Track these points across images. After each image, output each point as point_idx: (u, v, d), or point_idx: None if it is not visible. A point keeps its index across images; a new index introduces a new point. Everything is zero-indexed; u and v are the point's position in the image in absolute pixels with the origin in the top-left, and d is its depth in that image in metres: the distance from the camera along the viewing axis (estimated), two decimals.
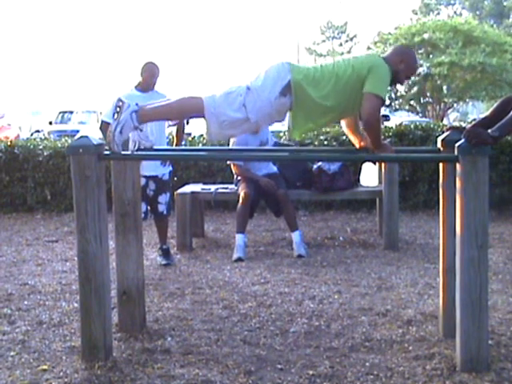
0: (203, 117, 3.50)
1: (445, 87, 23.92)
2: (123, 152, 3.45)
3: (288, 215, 6.07)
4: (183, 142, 7.92)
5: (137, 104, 3.46)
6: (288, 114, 3.59)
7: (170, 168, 5.77)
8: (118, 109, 3.42)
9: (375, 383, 3.12)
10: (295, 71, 3.50)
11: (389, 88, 3.73)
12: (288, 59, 3.67)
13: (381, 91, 3.49)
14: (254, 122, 3.49)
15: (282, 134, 8.26)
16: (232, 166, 6.27)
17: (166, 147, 5.34)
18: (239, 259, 5.71)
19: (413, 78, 23.63)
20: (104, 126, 5.53)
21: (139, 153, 3.67)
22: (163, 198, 5.68)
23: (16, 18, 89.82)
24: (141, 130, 3.60)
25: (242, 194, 6.04)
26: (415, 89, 23.98)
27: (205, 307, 4.38)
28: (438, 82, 23.38)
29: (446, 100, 25.16)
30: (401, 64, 3.63)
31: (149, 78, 5.74)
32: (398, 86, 25.68)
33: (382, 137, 3.72)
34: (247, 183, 6.14)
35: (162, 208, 5.69)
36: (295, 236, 5.96)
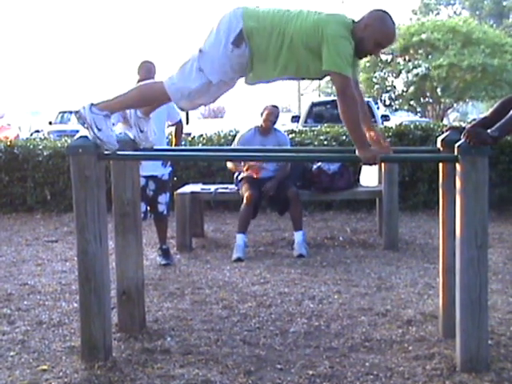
0: (170, 100, 3.37)
1: (439, 89, 23.93)
2: (123, 152, 3.45)
3: (295, 213, 6.06)
4: (182, 142, 7.92)
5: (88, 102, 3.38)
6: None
7: (170, 168, 5.78)
8: (80, 119, 3.33)
9: (375, 383, 3.11)
10: (247, 17, 3.23)
11: (352, 58, 3.23)
12: (242, 4, 3.33)
13: (342, 67, 3.14)
14: (218, 81, 3.26)
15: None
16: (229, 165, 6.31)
17: (166, 147, 5.34)
18: (239, 259, 5.71)
19: (411, 78, 23.79)
20: None
21: (139, 153, 3.67)
22: (163, 198, 5.68)
23: (16, 18, 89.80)
24: (141, 131, 3.59)
25: (246, 195, 6.04)
26: (412, 88, 23.97)
27: (204, 307, 4.38)
28: (435, 84, 23.39)
29: (445, 100, 25.17)
30: (365, 30, 3.22)
31: (145, 77, 5.73)
32: (398, 86, 25.72)
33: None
34: (251, 183, 6.13)
35: (161, 208, 5.69)
36: (298, 235, 5.95)
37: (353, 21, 3.29)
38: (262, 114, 6.19)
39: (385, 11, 3.35)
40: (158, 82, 3.39)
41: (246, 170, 6.22)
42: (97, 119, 3.31)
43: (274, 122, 6.22)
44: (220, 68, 3.25)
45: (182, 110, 3.41)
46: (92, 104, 3.35)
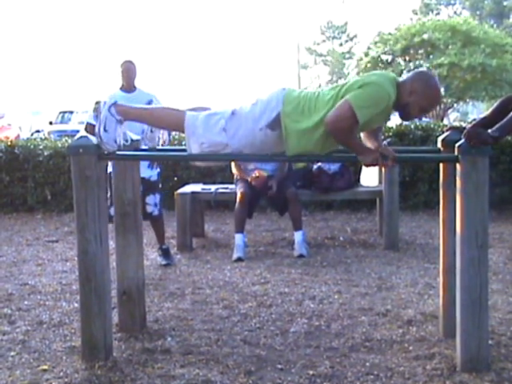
0: (182, 131, 3.39)
1: (442, 88, 23.94)
2: (124, 152, 3.45)
3: (294, 214, 6.06)
4: (183, 143, 7.91)
5: (113, 100, 3.42)
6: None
7: (158, 170, 5.75)
8: (97, 110, 3.37)
9: (375, 383, 3.12)
10: (287, 101, 3.19)
11: (393, 117, 3.27)
12: (288, 85, 3.33)
13: (359, 106, 3.04)
14: (235, 149, 3.24)
15: None
16: (233, 165, 6.27)
17: (167, 147, 5.33)
18: (239, 259, 5.71)
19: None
20: (88, 128, 5.55)
21: (140, 153, 3.67)
22: (151, 200, 5.66)
23: (16, 18, 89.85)
24: (152, 131, 3.61)
25: (238, 194, 6.04)
26: None
27: (205, 307, 4.38)
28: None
29: (445, 100, 25.17)
30: (411, 96, 3.17)
31: (126, 77, 5.78)
32: None
33: (382, 137, 3.57)
34: (245, 182, 6.14)
35: (150, 209, 5.66)
36: (298, 235, 5.95)
37: (397, 80, 3.24)
38: None
39: (431, 73, 3.34)
40: (181, 113, 3.37)
41: (251, 181, 6.16)
42: (109, 120, 3.33)
43: None
44: (243, 138, 3.23)
45: (189, 150, 3.43)
46: (114, 104, 3.37)
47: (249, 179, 6.13)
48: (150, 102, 5.47)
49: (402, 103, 3.20)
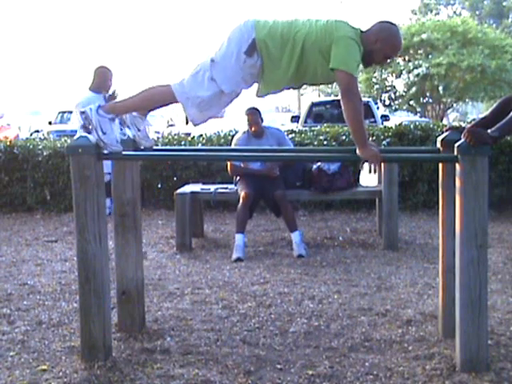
0: (175, 102, 3.38)
1: (441, 87, 23.95)
2: (123, 152, 3.45)
3: (286, 216, 6.07)
4: (182, 142, 7.93)
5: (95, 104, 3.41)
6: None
7: None
8: (86, 120, 3.34)
9: (375, 383, 3.12)
10: (259, 28, 3.28)
11: (361, 67, 3.37)
12: (253, 16, 3.39)
13: (349, 66, 3.20)
14: (230, 91, 3.31)
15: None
16: (228, 165, 6.28)
17: (167, 147, 5.34)
18: (238, 259, 5.71)
19: (412, 79, 23.84)
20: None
21: (139, 153, 3.67)
22: None
23: (16, 18, 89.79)
24: (139, 130, 3.59)
25: (242, 194, 6.04)
26: (414, 89, 24.01)
27: (204, 307, 4.38)
28: (436, 82, 23.41)
29: (446, 100, 25.20)
30: (376, 43, 3.31)
31: (102, 83, 5.92)
32: (398, 86, 25.75)
33: (382, 137, 3.60)
34: (247, 183, 6.14)
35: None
36: (295, 236, 5.95)
37: (360, 30, 3.34)
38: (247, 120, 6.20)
39: (393, 23, 3.44)
40: (165, 86, 3.38)
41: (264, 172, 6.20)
42: (102, 122, 3.33)
43: (261, 122, 6.21)
44: (232, 78, 3.29)
45: (194, 124, 3.43)
46: (99, 106, 3.37)
47: (254, 173, 6.13)
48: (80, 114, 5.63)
49: (367, 50, 3.32)
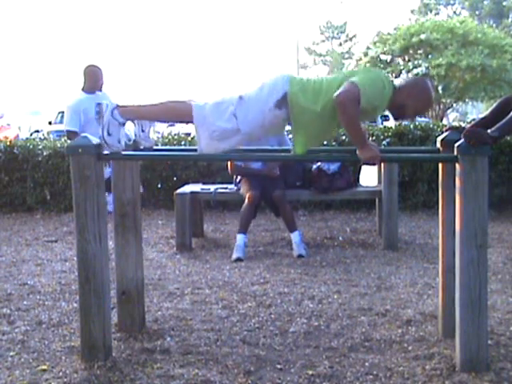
0: (191, 122, 3.40)
1: (440, 88, 23.94)
2: (123, 152, 3.45)
3: (285, 216, 6.07)
4: (182, 142, 7.93)
5: (115, 103, 3.43)
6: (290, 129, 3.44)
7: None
8: (99, 113, 3.37)
9: (375, 383, 3.12)
10: (293, 83, 3.32)
11: (379, 100, 3.33)
12: (289, 72, 3.46)
13: (361, 84, 3.18)
14: (246, 133, 3.32)
15: None
16: (228, 164, 6.28)
17: (166, 147, 5.34)
18: (238, 259, 5.71)
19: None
20: (71, 136, 5.65)
21: (139, 153, 3.67)
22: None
23: (16, 18, 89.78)
24: (143, 130, 3.60)
25: (248, 195, 6.03)
26: None
27: (204, 307, 4.38)
28: (436, 83, 23.41)
29: (445, 100, 25.19)
30: (408, 99, 3.35)
31: (92, 82, 5.93)
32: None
33: (382, 137, 3.62)
34: (251, 183, 6.13)
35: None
36: (294, 236, 5.95)
37: (394, 84, 3.39)
38: None
39: (427, 80, 3.50)
40: (186, 104, 3.38)
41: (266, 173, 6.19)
42: (112, 124, 3.35)
43: None
44: (253, 121, 3.31)
45: (199, 150, 3.43)
46: (116, 106, 3.38)
47: (256, 173, 6.13)
48: (97, 105, 5.69)
49: (398, 104, 3.38)
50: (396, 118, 3.51)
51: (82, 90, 6.08)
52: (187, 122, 3.48)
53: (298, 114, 3.32)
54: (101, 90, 6.13)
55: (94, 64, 6.17)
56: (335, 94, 3.18)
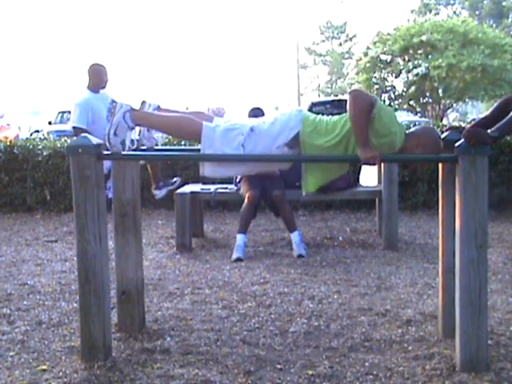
0: (197, 140, 3.42)
1: (440, 90, 23.94)
2: (123, 152, 3.45)
3: (285, 216, 6.06)
4: (182, 142, 7.92)
5: (129, 105, 3.45)
6: (302, 168, 3.53)
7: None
8: (112, 110, 3.39)
9: (375, 383, 3.12)
10: (306, 123, 3.35)
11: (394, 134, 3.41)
12: (302, 108, 3.51)
13: (378, 106, 3.27)
14: (250, 165, 3.36)
15: None
16: None
17: (166, 147, 5.34)
18: (238, 259, 5.71)
19: (411, 78, 23.82)
20: (79, 132, 5.67)
21: (139, 153, 3.67)
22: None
23: (16, 18, 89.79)
24: (148, 130, 3.60)
25: (247, 195, 6.03)
26: (413, 88, 24.00)
27: (204, 307, 4.38)
28: (436, 84, 23.42)
29: (445, 100, 25.19)
30: (417, 148, 3.42)
31: (97, 80, 5.99)
32: (398, 86, 25.77)
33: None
34: (251, 183, 6.12)
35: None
36: (294, 236, 5.95)
37: (405, 132, 3.46)
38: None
39: (436, 132, 3.59)
40: (197, 124, 3.39)
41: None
42: (121, 126, 3.36)
43: None
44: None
45: (201, 174, 3.44)
46: (130, 110, 3.38)
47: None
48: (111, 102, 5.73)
49: (408, 151, 3.44)
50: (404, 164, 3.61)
51: (88, 88, 6.13)
52: (191, 139, 3.50)
53: (310, 152, 3.36)
54: (104, 87, 6.17)
55: (98, 62, 6.21)
56: (349, 92, 3.26)
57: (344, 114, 3.47)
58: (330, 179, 3.59)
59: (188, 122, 3.44)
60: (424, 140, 3.42)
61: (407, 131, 3.51)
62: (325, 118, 3.48)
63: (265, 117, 3.49)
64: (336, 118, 3.47)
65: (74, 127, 6.20)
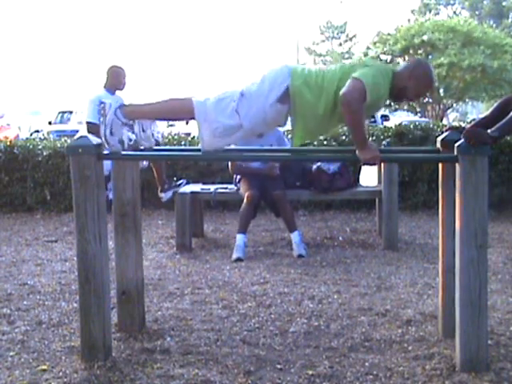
0: (193, 119, 3.40)
1: (441, 90, 23.94)
2: (123, 152, 3.45)
3: (286, 216, 6.07)
4: (182, 142, 7.93)
5: (119, 102, 3.45)
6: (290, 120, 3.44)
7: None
8: (102, 111, 3.39)
9: (375, 383, 3.12)
10: (295, 76, 3.30)
11: (381, 92, 3.33)
12: (288, 62, 3.52)
13: (365, 79, 3.18)
14: (248, 129, 3.33)
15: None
16: (229, 164, 6.28)
17: (166, 147, 5.34)
18: (238, 259, 5.71)
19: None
20: (92, 128, 5.71)
21: (139, 153, 3.67)
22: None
23: (16, 18, 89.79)
24: (143, 130, 3.59)
25: (247, 195, 6.03)
26: None
27: (204, 307, 4.38)
28: (437, 83, 23.41)
29: (445, 100, 25.19)
30: (409, 81, 3.36)
31: (115, 82, 6.04)
32: None
33: (382, 137, 3.62)
34: (250, 183, 6.12)
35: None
36: (294, 236, 5.95)
37: (393, 70, 3.41)
38: None
39: (428, 63, 3.55)
40: (187, 101, 3.38)
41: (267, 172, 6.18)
42: (115, 123, 3.36)
43: None
44: (255, 117, 3.31)
45: (203, 148, 3.41)
46: (120, 106, 3.39)
47: (257, 172, 6.12)
48: (99, 104, 5.82)
49: (399, 87, 3.37)
50: (396, 100, 3.51)
51: (104, 87, 6.19)
52: (189, 119, 3.48)
53: (299, 108, 3.31)
54: (121, 89, 6.25)
55: (118, 65, 6.30)
56: (341, 93, 3.18)
57: (332, 66, 3.43)
58: (318, 135, 3.57)
59: (178, 102, 3.44)
60: (416, 71, 3.37)
61: (398, 69, 3.44)
62: (313, 69, 3.42)
63: (252, 78, 3.44)
64: (325, 70, 3.41)
65: (87, 122, 6.30)
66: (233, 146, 6.23)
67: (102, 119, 3.38)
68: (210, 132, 3.32)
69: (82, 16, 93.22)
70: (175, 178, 6.57)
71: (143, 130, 3.58)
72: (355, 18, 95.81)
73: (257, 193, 6.05)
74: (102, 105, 3.39)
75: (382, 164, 6.05)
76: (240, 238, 5.88)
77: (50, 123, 20.62)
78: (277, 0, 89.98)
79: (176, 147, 7.33)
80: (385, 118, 15.57)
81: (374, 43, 25.63)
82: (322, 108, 3.31)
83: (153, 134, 3.68)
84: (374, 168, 6.62)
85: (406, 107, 26.06)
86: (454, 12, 44.51)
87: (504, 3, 41.66)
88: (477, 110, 42.89)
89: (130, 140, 3.51)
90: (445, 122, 25.12)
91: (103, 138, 3.34)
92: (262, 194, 6.14)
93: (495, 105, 3.49)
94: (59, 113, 21.77)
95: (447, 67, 22.50)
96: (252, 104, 3.29)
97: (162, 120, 3.64)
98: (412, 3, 63.35)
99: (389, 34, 25.47)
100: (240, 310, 4.29)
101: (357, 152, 3.28)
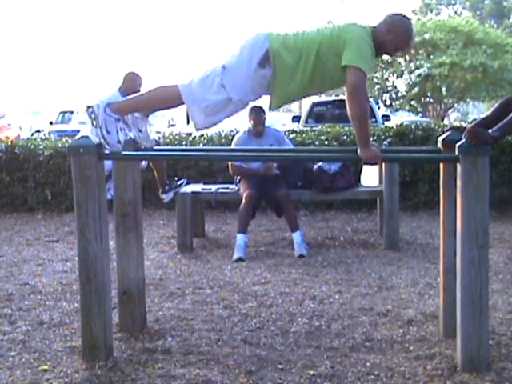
0: (181, 104, 3.38)
1: (444, 88, 23.92)
2: (124, 152, 3.45)
3: (288, 215, 6.07)
4: (183, 142, 7.94)
5: (104, 101, 3.43)
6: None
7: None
8: (92, 115, 3.37)
9: (376, 383, 3.11)
10: (273, 39, 3.29)
11: (372, 59, 3.34)
12: (265, 29, 3.41)
13: (361, 63, 3.18)
14: (238, 100, 3.30)
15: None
16: (229, 165, 6.28)
17: (167, 147, 5.35)
18: (240, 259, 5.71)
19: (414, 79, 23.85)
20: None
21: (140, 153, 3.67)
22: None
23: (16, 18, 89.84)
24: (140, 131, 3.59)
25: (245, 194, 6.04)
26: (416, 89, 24.00)
27: (205, 307, 4.38)
28: (438, 83, 23.41)
29: (447, 100, 25.18)
30: (388, 34, 3.33)
31: (130, 87, 6.08)
32: (399, 87, 25.76)
33: (383, 137, 3.62)
34: (249, 183, 6.13)
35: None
36: (296, 236, 5.95)
37: (372, 27, 3.38)
38: (249, 119, 6.18)
39: (406, 16, 3.50)
40: (172, 87, 3.37)
41: (263, 173, 6.18)
42: (108, 121, 3.35)
43: (264, 122, 6.20)
44: (242, 87, 3.29)
45: (196, 128, 3.41)
46: (107, 104, 3.38)
47: (256, 172, 6.12)
48: (86, 109, 5.83)
49: (379, 42, 3.34)
50: (376, 55, 3.43)
51: (119, 89, 6.23)
52: (177, 105, 3.46)
53: (279, 70, 3.28)
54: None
55: (135, 72, 6.36)
56: (347, 87, 3.18)
57: (310, 30, 3.39)
58: (296, 98, 3.55)
59: (164, 90, 3.42)
60: (394, 25, 3.36)
61: (377, 25, 3.41)
62: (290, 32, 3.40)
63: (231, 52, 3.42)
64: (303, 32, 3.38)
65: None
66: (233, 146, 6.29)
67: (94, 123, 3.35)
68: (201, 112, 3.31)
69: (82, 16, 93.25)
70: (176, 178, 6.57)
71: (140, 131, 3.58)
72: (356, 17, 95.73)
73: (255, 193, 6.05)
74: (90, 109, 3.37)
75: (383, 164, 6.05)
76: (240, 238, 5.88)
77: (51, 123, 20.63)
78: (277, 0, 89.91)
79: (177, 147, 7.34)
80: (386, 117, 15.52)
81: None
82: (300, 71, 3.28)
83: (149, 134, 3.68)
84: (375, 168, 6.62)
85: (407, 107, 26.04)
86: (455, 12, 44.46)
87: (505, 3, 41.62)
88: (478, 110, 42.84)
89: (126, 135, 3.50)
90: (446, 121, 25.08)
91: (102, 139, 3.33)
92: (261, 194, 6.14)
93: (496, 105, 3.49)
94: (60, 113, 21.79)
95: (449, 67, 22.47)
96: (236, 75, 3.27)
97: (152, 111, 3.60)
98: (413, 3, 63.22)
99: None
100: (241, 310, 4.29)
101: (358, 151, 3.28)
